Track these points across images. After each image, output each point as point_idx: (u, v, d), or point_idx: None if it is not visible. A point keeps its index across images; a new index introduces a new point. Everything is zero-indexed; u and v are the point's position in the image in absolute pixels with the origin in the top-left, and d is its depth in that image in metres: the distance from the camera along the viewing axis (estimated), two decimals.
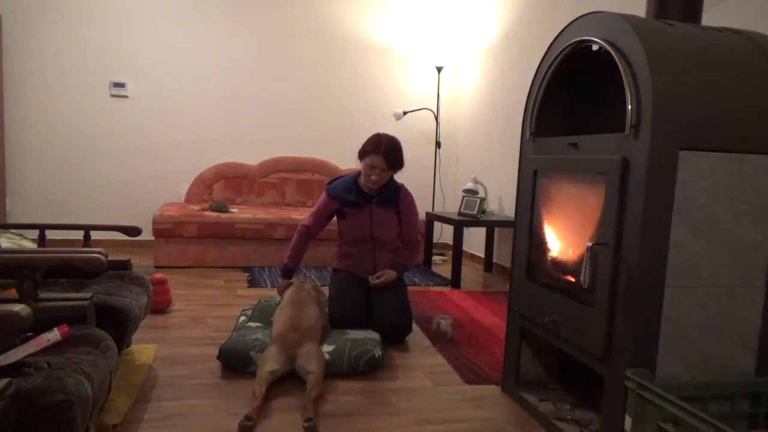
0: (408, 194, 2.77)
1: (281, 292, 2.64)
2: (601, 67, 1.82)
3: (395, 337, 2.56)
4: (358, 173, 2.72)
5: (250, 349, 2.15)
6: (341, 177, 2.78)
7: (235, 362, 2.13)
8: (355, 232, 2.73)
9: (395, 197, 2.73)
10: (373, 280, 2.68)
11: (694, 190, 1.40)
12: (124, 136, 4.66)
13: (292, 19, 4.92)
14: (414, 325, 2.84)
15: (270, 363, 2.00)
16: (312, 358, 2.03)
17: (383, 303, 2.60)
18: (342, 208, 2.72)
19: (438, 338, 2.64)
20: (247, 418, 1.70)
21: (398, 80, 5.21)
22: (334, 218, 2.82)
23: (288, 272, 2.75)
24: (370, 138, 2.64)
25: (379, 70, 5.16)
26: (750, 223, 1.46)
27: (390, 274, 2.70)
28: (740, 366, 1.49)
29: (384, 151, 2.56)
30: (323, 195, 2.76)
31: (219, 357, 2.15)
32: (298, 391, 1.96)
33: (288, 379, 2.03)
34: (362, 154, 2.62)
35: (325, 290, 2.81)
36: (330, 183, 2.77)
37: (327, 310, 2.61)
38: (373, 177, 2.60)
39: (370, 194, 2.70)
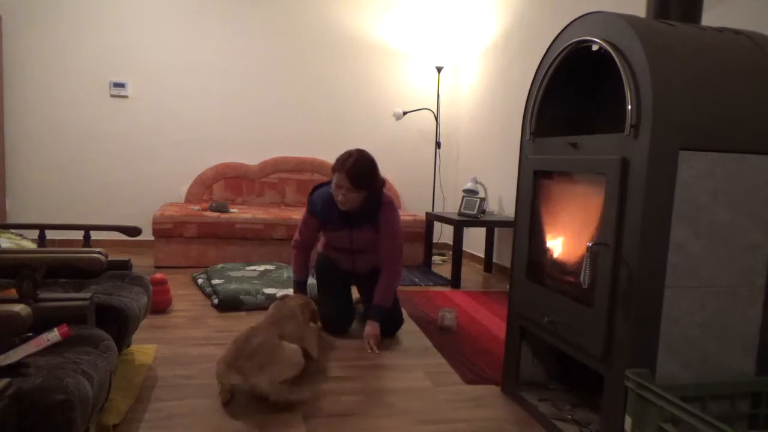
0: (389, 210, 2.55)
1: None
2: (601, 67, 1.82)
3: (391, 328, 2.64)
4: None
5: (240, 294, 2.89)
6: (323, 186, 2.63)
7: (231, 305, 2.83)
8: (336, 242, 2.68)
9: (375, 216, 2.54)
10: (370, 351, 2.44)
11: (694, 190, 1.40)
12: (124, 136, 4.66)
13: (292, 19, 4.92)
14: (414, 326, 2.84)
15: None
16: (279, 380, 1.84)
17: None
18: (323, 223, 2.62)
19: (443, 331, 2.74)
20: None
21: (398, 80, 5.21)
22: None
23: (300, 285, 2.67)
24: (341, 154, 2.46)
25: (379, 70, 5.16)
26: (750, 224, 1.46)
27: (372, 333, 2.49)
28: (740, 366, 1.49)
29: (348, 169, 2.36)
30: (305, 210, 2.63)
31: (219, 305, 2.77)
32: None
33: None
34: (332, 170, 2.45)
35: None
36: (313, 191, 2.63)
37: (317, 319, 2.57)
38: (339, 197, 2.43)
39: (351, 213, 2.54)
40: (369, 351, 2.44)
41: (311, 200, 2.62)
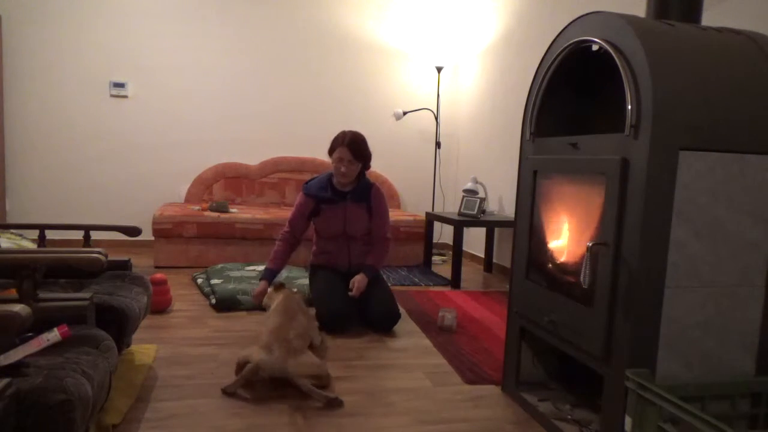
0: (379, 191, 2.89)
1: (258, 297, 2.67)
2: (601, 67, 1.82)
3: (390, 323, 2.72)
4: (332, 172, 2.85)
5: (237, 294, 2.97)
6: (316, 177, 2.91)
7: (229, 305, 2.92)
8: (329, 228, 2.85)
9: (367, 194, 2.85)
10: (351, 294, 2.75)
11: (694, 190, 1.40)
12: (124, 136, 4.66)
13: (292, 19, 4.92)
14: (414, 326, 2.85)
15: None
16: (304, 372, 1.96)
17: (372, 295, 2.76)
18: (318, 206, 2.83)
19: (443, 331, 2.77)
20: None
21: (398, 80, 5.21)
22: None
23: (271, 274, 2.79)
24: (336, 135, 2.81)
25: (379, 70, 5.16)
26: (750, 223, 1.46)
27: (361, 281, 2.77)
28: (740, 366, 1.49)
29: (348, 143, 2.73)
30: (300, 195, 2.88)
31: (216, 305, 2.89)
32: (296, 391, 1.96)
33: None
34: (330, 150, 2.79)
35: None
36: (306, 183, 2.89)
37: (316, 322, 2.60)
38: (342, 169, 2.74)
39: (343, 191, 2.83)
40: (350, 292, 2.74)
41: (306, 186, 2.88)
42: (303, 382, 1.91)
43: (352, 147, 2.72)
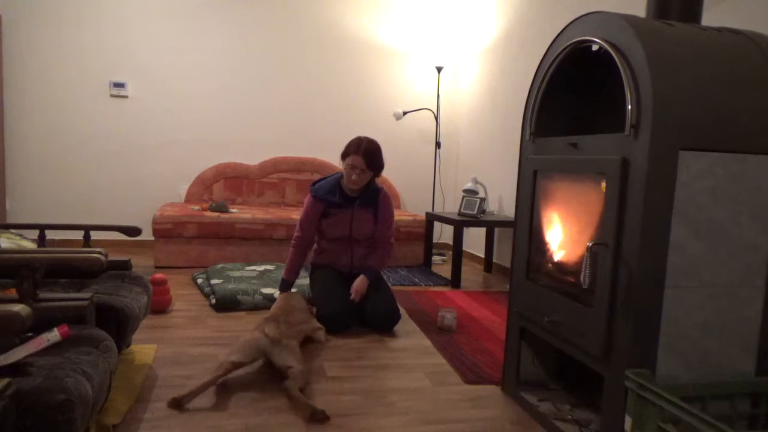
0: (387, 197, 2.90)
1: None
2: (601, 67, 1.82)
3: (390, 323, 2.72)
4: (341, 174, 2.84)
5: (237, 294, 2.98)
6: (324, 178, 2.89)
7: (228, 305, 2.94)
8: (336, 231, 2.85)
9: (375, 199, 2.86)
10: (351, 298, 2.75)
11: (694, 190, 1.40)
12: (124, 136, 4.66)
13: (292, 19, 4.92)
14: (414, 326, 2.85)
15: (238, 354, 2.01)
16: (288, 354, 2.03)
17: (372, 295, 2.77)
18: (326, 209, 2.83)
19: (443, 331, 2.76)
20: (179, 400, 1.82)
21: (398, 80, 5.21)
22: None
23: (287, 286, 2.82)
24: (351, 140, 2.77)
25: (379, 70, 5.16)
26: (750, 223, 1.46)
27: (361, 285, 2.78)
28: (740, 366, 1.49)
29: (363, 151, 2.70)
30: (309, 198, 2.85)
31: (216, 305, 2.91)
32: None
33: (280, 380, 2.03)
34: (344, 155, 2.76)
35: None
36: (314, 184, 2.87)
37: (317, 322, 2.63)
38: (353, 176, 2.73)
39: (352, 196, 2.83)
40: (350, 297, 2.74)
41: (314, 188, 2.84)
42: (292, 388, 1.91)
43: (367, 156, 2.71)
